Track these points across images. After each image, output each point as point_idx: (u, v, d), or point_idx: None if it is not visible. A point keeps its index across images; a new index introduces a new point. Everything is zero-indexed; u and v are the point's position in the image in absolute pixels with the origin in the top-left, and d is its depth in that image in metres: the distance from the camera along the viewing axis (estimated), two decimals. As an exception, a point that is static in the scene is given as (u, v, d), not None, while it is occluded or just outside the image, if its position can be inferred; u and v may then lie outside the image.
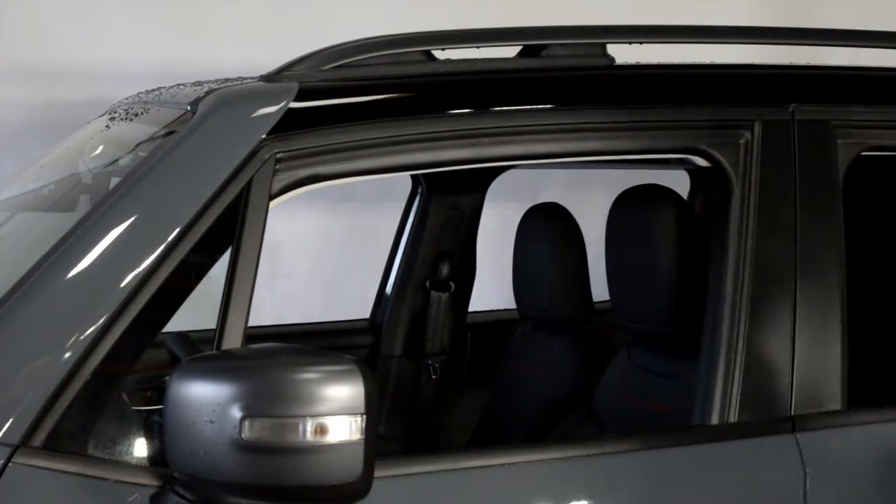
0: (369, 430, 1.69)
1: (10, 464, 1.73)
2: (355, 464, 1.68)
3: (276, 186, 1.95)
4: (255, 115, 2.00)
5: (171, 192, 1.92)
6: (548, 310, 3.01)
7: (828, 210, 2.22)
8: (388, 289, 3.47)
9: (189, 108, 2.07)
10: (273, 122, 1.98)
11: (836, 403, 2.17)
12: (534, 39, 2.28)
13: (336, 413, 1.67)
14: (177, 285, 1.88)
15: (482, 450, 2.11)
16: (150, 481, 1.79)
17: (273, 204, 1.95)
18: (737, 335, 2.13)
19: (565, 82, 2.24)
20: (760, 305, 2.14)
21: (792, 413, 2.14)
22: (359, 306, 3.56)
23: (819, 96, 2.32)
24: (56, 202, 2.40)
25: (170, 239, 1.87)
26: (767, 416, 2.12)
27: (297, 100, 2.03)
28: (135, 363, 1.90)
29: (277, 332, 3.27)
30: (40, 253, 1.87)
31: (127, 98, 2.71)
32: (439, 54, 2.23)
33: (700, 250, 2.35)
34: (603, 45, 2.28)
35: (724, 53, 2.46)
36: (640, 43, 2.33)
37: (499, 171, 3.29)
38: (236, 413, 1.66)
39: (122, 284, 1.83)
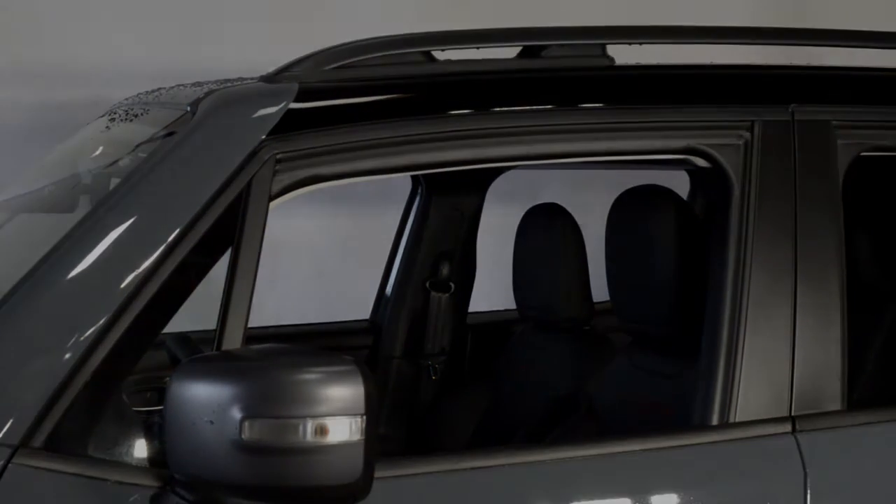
0: (369, 431, 1.69)
1: (10, 464, 1.73)
2: (355, 464, 1.68)
3: (276, 187, 1.95)
4: (254, 115, 2.00)
5: (171, 192, 1.92)
6: (548, 310, 3.00)
7: (828, 210, 2.22)
8: (388, 289, 3.46)
9: (189, 108, 2.07)
10: (273, 122, 1.98)
11: (836, 403, 2.17)
12: (534, 40, 2.28)
13: (336, 414, 1.67)
14: (177, 286, 1.88)
15: (482, 450, 2.11)
16: (150, 482, 1.79)
17: (273, 204, 1.96)
18: (737, 335, 2.13)
19: (565, 82, 2.24)
20: (760, 305, 2.14)
21: (792, 413, 2.14)
22: (359, 307, 3.56)
23: (819, 96, 2.32)
24: (56, 203, 2.40)
25: (170, 239, 1.87)
26: (767, 416, 2.12)
27: (297, 100, 2.03)
28: (135, 364, 1.90)
29: (277, 333, 3.27)
30: (40, 253, 1.87)
31: (127, 98, 2.71)
32: (439, 55, 2.23)
33: (700, 250, 2.35)
34: (603, 46, 2.28)
35: (724, 53, 2.46)
36: (640, 43, 2.32)
37: (499, 171, 3.29)
38: (236, 414, 1.66)
39: (123, 285, 1.83)
